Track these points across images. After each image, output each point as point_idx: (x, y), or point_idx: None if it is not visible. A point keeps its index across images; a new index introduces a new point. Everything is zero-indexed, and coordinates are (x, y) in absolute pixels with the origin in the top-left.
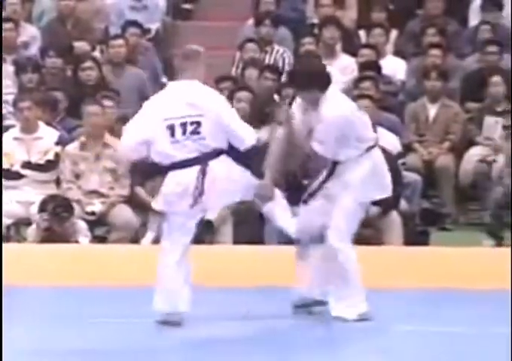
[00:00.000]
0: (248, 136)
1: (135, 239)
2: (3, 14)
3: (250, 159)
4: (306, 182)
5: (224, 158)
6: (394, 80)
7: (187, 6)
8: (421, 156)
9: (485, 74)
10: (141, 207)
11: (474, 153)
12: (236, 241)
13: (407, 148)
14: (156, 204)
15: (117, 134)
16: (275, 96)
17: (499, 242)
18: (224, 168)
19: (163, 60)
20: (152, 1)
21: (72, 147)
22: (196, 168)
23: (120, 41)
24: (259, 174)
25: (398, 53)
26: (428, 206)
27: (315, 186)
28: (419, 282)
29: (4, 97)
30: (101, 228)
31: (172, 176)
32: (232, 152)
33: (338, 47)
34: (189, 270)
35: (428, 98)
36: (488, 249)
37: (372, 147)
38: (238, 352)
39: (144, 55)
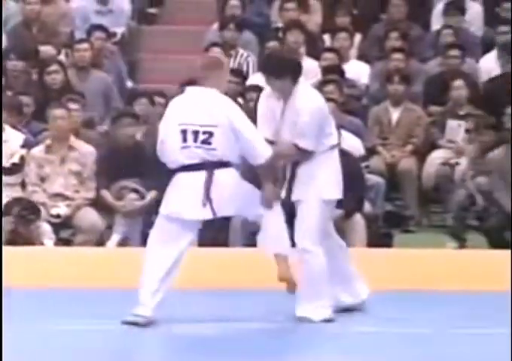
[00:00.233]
0: (262, 152)
1: (101, 242)
2: None
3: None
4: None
5: (231, 170)
6: (357, 84)
7: (152, 10)
8: (384, 159)
9: (447, 78)
10: (106, 210)
11: (437, 156)
12: (201, 243)
13: (371, 151)
14: (164, 208)
15: (82, 137)
16: (240, 99)
17: (462, 244)
18: (230, 179)
19: (129, 64)
20: (117, 5)
21: (38, 150)
22: (203, 173)
23: (86, 45)
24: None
25: (362, 56)
26: (392, 208)
27: (285, 193)
28: (382, 284)
29: None
30: (66, 230)
31: (178, 179)
32: (241, 166)
33: (302, 50)
34: (175, 276)
35: (391, 102)
36: (451, 251)
37: (335, 145)
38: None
39: (110, 58)
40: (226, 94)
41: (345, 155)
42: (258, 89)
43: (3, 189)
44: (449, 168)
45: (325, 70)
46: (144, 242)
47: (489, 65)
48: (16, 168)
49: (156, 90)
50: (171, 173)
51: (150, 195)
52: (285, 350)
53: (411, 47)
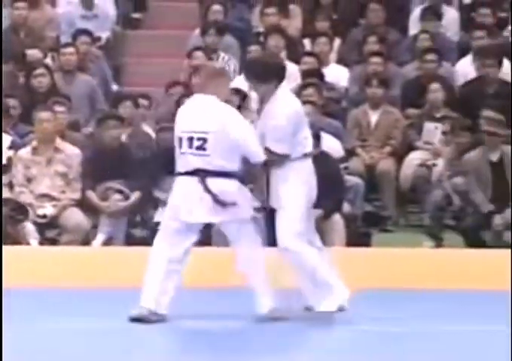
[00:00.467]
0: (257, 154)
1: (86, 241)
2: None
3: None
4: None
5: (225, 178)
6: (337, 87)
7: (136, 15)
8: (363, 161)
9: (424, 81)
10: (91, 210)
11: (414, 158)
12: None
13: (350, 153)
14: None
15: (68, 139)
16: None
17: (439, 243)
18: (221, 187)
19: (113, 67)
20: (102, 10)
21: (24, 152)
22: (196, 179)
23: (71, 49)
24: None
25: (341, 60)
26: (370, 209)
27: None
28: (360, 282)
29: None
30: (52, 230)
31: (177, 184)
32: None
33: (283, 54)
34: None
35: (369, 105)
36: (428, 250)
37: (309, 154)
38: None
39: (95, 62)
40: (227, 101)
41: (324, 156)
42: (239, 92)
43: None
44: (426, 169)
45: (305, 73)
46: (128, 242)
47: (465, 68)
48: (4, 169)
49: (140, 93)
50: (154, 174)
51: (135, 195)
52: (277, 347)
53: (389, 51)
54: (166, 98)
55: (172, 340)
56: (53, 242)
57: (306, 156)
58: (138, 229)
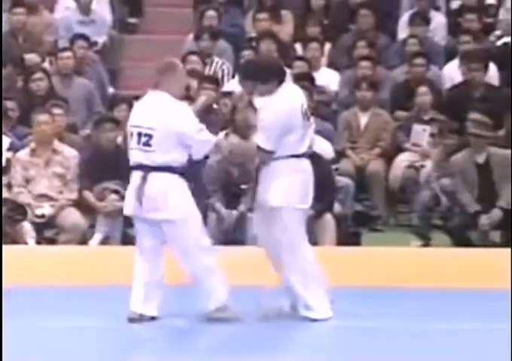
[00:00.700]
0: (200, 149)
1: (83, 241)
2: None
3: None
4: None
5: (168, 175)
6: (327, 91)
7: (132, 20)
8: (353, 162)
9: (412, 85)
10: (88, 210)
11: (403, 159)
12: None
13: (340, 154)
14: None
15: (65, 141)
16: (215, 106)
17: (427, 242)
18: (163, 183)
19: (110, 71)
20: (99, 15)
21: (23, 154)
22: (139, 174)
23: (69, 53)
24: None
25: (332, 65)
26: (360, 209)
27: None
28: (350, 281)
29: None
30: (50, 230)
31: (131, 179)
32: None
33: None
34: (160, 273)
35: (359, 107)
36: (416, 249)
37: (303, 154)
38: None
39: (92, 66)
40: (185, 97)
41: (316, 158)
42: (231, 94)
43: None
44: (415, 171)
45: (296, 77)
46: (124, 241)
47: (452, 72)
48: (3, 170)
49: (135, 96)
50: None
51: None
52: (271, 345)
53: (378, 55)
54: None
55: (169, 338)
56: (51, 241)
57: (300, 155)
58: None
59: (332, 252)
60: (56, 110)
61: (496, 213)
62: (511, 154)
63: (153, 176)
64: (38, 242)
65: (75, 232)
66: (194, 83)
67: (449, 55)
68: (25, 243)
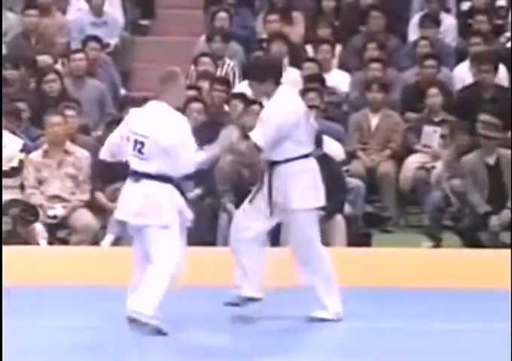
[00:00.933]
0: (183, 166)
1: (95, 241)
2: None
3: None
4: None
5: (159, 183)
6: (338, 92)
7: (144, 22)
8: (364, 163)
9: (423, 86)
10: (100, 211)
11: (413, 160)
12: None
13: (351, 155)
14: None
15: (78, 142)
16: (226, 107)
17: (437, 243)
18: (149, 190)
19: (122, 73)
20: (111, 17)
21: (36, 155)
22: (131, 180)
23: (81, 55)
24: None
25: (342, 66)
26: (371, 210)
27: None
28: (361, 281)
29: None
30: (62, 231)
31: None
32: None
33: (285, 60)
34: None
35: (370, 109)
36: (427, 250)
37: (308, 155)
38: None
39: (104, 68)
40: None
41: (326, 159)
42: (243, 97)
43: (2, 191)
44: (425, 172)
45: (307, 79)
46: None
47: (463, 74)
48: (15, 171)
49: (147, 98)
50: None
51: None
52: (274, 347)
53: (389, 57)
54: None
55: (169, 338)
56: (64, 242)
57: (305, 156)
58: None
59: (343, 253)
60: (69, 112)
61: (506, 214)
62: None
63: (143, 183)
64: (51, 243)
65: (87, 233)
66: (206, 85)
67: (460, 56)
68: (38, 244)
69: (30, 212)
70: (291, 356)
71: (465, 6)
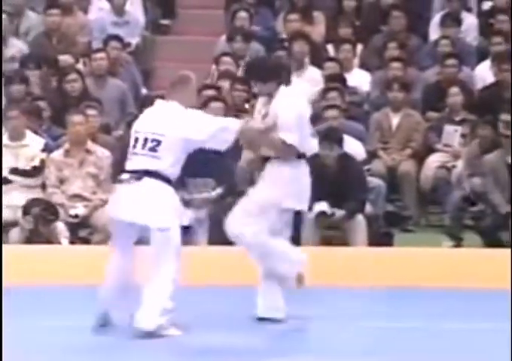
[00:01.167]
0: (225, 138)
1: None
2: None
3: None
4: None
5: (161, 183)
6: (359, 91)
7: (165, 22)
8: (385, 163)
9: (444, 86)
10: None
11: (434, 160)
12: (211, 242)
13: (372, 155)
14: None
15: (99, 141)
16: (246, 106)
17: (458, 243)
18: (158, 189)
19: (143, 72)
20: (133, 17)
21: (57, 154)
22: (128, 178)
23: (102, 54)
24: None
25: (363, 65)
26: (392, 209)
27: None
28: (382, 281)
29: None
30: (84, 230)
31: (119, 182)
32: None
33: (306, 60)
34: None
35: (391, 108)
36: (448, 249)
37: (303, 155)
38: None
39: (125, 67)
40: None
41: (347, 159)
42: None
43: (24, 190)
44: (446, 171)
45: (328, 78)
46: None
47: (484, 73)
48: (37, 170)
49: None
50: (180, 175)
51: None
52: (285, 347)
53: (410, 56)
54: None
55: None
56: (85, 241)
57: (300, 156)
58: None
59: (363, 252)
60: (90, 111)
61: None
62: None
63: (151, 182)
64: (72, 242)
65: (108, 232)
66: (226, 84)
67: (481, 56)
68: (59, 243)
69: (51, 211)
70: (311, 357)
71: (486, 5)
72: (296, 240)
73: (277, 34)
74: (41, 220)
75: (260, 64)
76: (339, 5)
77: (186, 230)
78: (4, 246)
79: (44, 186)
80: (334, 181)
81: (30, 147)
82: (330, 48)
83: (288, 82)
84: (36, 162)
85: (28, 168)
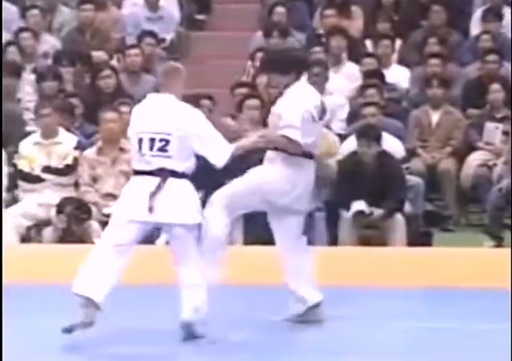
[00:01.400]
0: (220, 154)
1: (151, 240)
2: (24, 25)
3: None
4: None
5: (183, 181)
6: (398, 88)
7: (200, 17)
8: (424, 161)
9: (485, 82)
10: None
11: (475, 158)
12: (247, 241)
13: (411, 153)
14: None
15: None
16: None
17: (499, 243)
18: (179, 189)
19: None
20: (167, 12)
21: (90, 152)
22: (156, 179)
23: (136, 50)
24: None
25: (402, 61)
26: (431, 208)
27: None
28: (421, 281)
29: (25, 104)
30: None
31: (131, 183)
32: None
33: (344, 55)
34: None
35: (430, 105)
36: (488, 249)
37: (308, 154)
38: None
39: (159, 63)
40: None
41: (386, 156)
42: None
43: (56, 188)
44: (487, 169)
45: (366, 74)
46: None
47: None
48: (70, 169)
49: (203, 94)
50: (216, 174)
51: (198, 195)
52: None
53: (451, 52)
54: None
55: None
56: None
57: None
58: None
59: (402, 252)
60: (124, 108)
61: None
62: None
63: (171, 181)
64: None
65: None
66: (263, 79)
67: None
68: (92, 242)
69: (83, 210)
70: (353, 357)
71: None
72: (333, 239)
73: (314, 30)
74: (74, 219)
75: (277, 56)
76: (377, 0)
77: None
78: (37, 245)
79: (76, 185)
80: (372, 179)
81: (63, 145)
82: (368, 43)
83: (304, 74)
84: (69, 160)
85: (60, 166)
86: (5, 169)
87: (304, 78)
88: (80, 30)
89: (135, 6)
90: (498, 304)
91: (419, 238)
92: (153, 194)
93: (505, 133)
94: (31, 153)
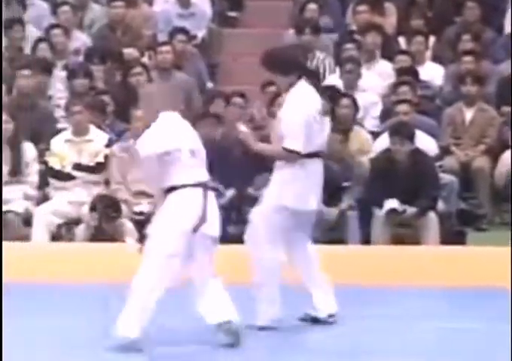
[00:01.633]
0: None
1: None
2: (55, 22)
3: None
4: None
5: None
6: (431, 85)
7: (232, 14)
8: (457, 159)
9: None
10: None
11: (509, 156)
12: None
13: (444, 151)
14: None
15: None
16: None
17: None
18: (212, 201)
19: (209, 66)
20: (199, 8)
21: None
22: (200, 191)
23: (168, 48)
24: None
25: (436, 58)
26: (465, 207)
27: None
28: (455, 280)
29: (56, 101)
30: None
31: (179, 194)
32: None
33: (377, 52)
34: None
35: (464, 103)
36: None
37: (310, 155)
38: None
39: (191, 61)
40: None
41: (419, 154)
42: (334, 89)
43: (87, 186)
44: None
45: (399, 72)
46: (221, 239)
47: None
48: (101, 166)
49: (235, 91)
50: (247, 172)
51: (229, 193)
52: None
53: (484, 49)
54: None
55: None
56: None
57: (308, 156)
58: (232, 226)
59: (436, 251)
60: None
61: None
62: None
63: (210, 193)
64: (140, 240)
65: None
66: None
67: None
68: (123, 241)
69: (114, 208)
70: (374, 357)
71: None
72: (366, 238)
73: (346, 26)
74: (105, 217)
75: (278, 55)
76: None
77: None
78: (68, 244)
79: (107, 183)
80: (405, 177)
81: (94, 143)
82: (401, 40)
83: (307, 73)
84: (100, 158)
85: (91, 163)
86: (36, 167)
87: (304, 78)
88: (111, 27)
89: (166, 2)
90: None
91: (452, 236)
92: (204, 206)
93: None
94: (62, 151)
